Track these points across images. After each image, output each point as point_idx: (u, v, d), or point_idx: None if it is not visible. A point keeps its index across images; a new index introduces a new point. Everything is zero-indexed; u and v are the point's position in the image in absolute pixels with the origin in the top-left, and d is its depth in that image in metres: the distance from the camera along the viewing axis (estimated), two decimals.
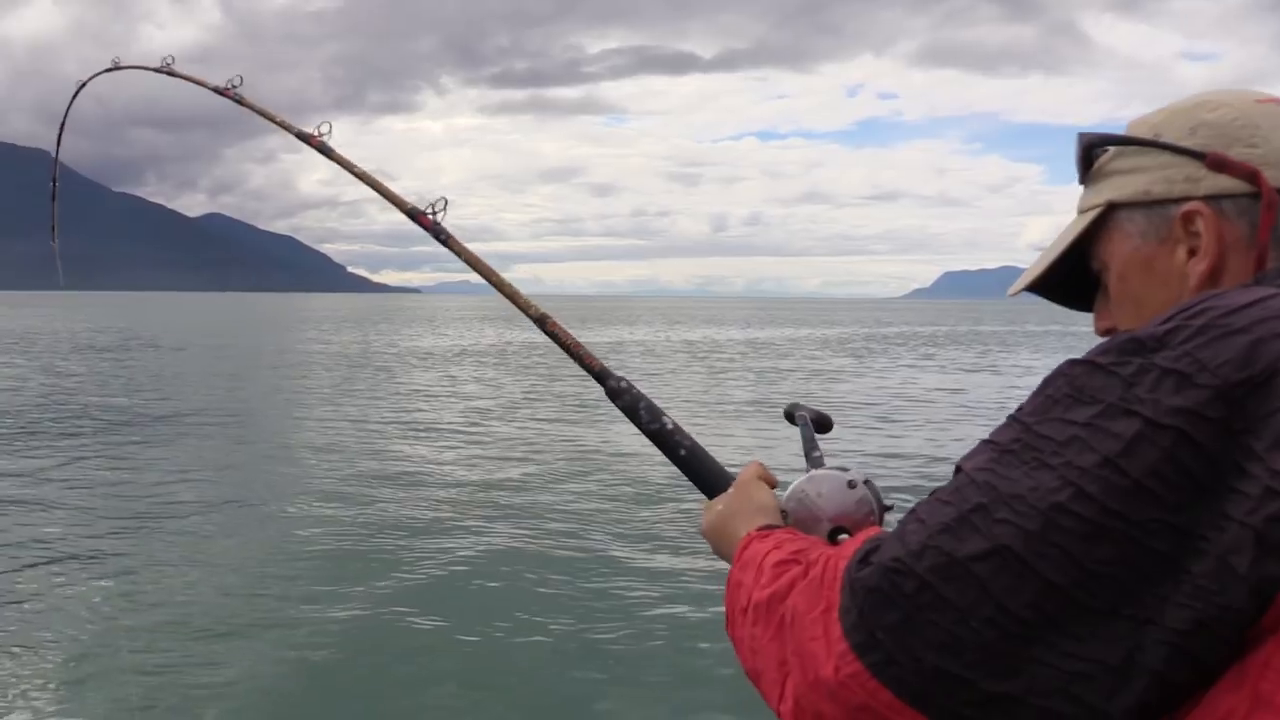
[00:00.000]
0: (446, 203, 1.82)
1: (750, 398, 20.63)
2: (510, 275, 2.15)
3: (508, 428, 16.26)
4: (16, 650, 6.10)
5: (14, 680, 5.67)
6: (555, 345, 1.64)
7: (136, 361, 30.54)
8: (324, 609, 6.90)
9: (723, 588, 1.10)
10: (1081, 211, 1.08)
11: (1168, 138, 0.99)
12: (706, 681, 5.62)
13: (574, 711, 5.51)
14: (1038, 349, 43.46)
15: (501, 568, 7.94)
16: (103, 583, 7.49)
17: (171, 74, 2.46)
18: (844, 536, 1.14)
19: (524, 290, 1.75)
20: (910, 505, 0.88)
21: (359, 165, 1.99)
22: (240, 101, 2.25)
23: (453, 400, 20.64)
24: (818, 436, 1.37)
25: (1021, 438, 0.82)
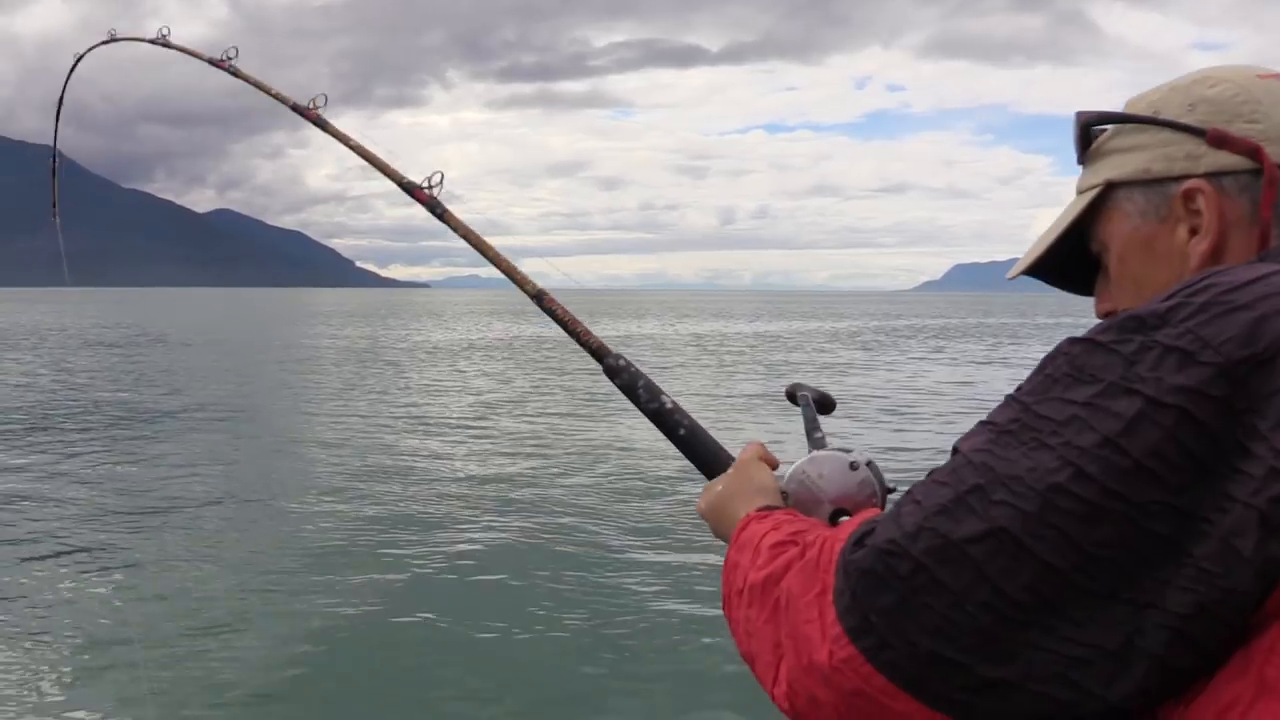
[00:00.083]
0: (444, 177, 1.81)
1: (759, 390, 20.62)
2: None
3: (516, 422, 16.27)
4: (29, 643, 6.12)
5: (26, 671, 5.69)
6: (558, 328, 1.63)
7: (146, 357, 30.63)
8: (331, 602, 6.91)
9: None
10: (1080, 192, 1.06)
11: (1167, 115, 0.97)
12: (714, 675, 5.61)
13: (583, 704, 5.52)
14: (1049, 341, 43.04)
15: (510, 562, 7.95)
16: (114, 576, 7.52)
17: (167, 45, 2.47)
18: (845, 519, 1.12)
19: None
20: None
21: (354, 138, 1.98)
22: (235, 73, 2.24)
23: (461, 394, 20.66)
24: (820, 417, 1.35)
25: (1020, 418, 0.80)
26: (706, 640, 6.02)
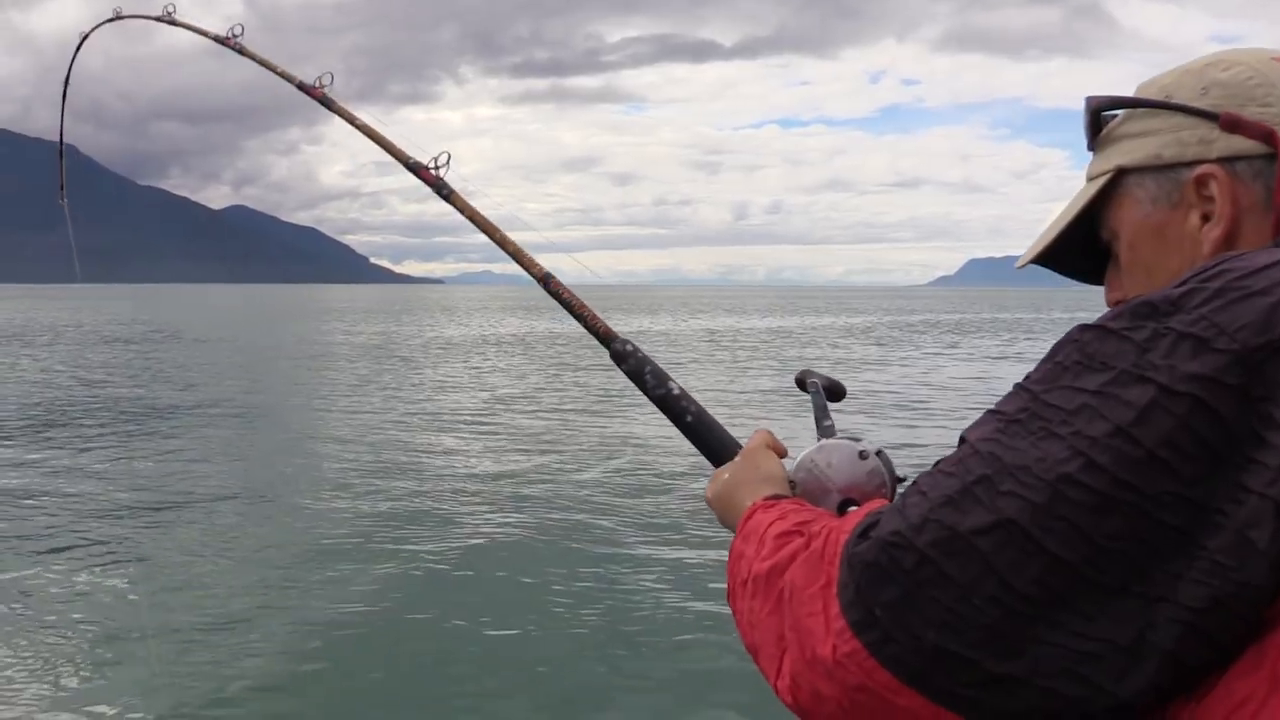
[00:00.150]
0: (450, 157, 1.79)
1: (773, 386, 20.59)
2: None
3: (529, 418, 16.28)
4: (44, 635, 6.16)
5: (42, 662, 5.73)
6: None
7: (160, 353, 30.77)
8: (343, 596, 6.93)
9: None
10: (1090, 178, 1.03)
11: (1179, 99, 0.95)
12: (728, 672, 5.60)
13: (595, 700, 5.52)
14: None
15: (522, 557, 7.96)
16: (129, 570, 7.56)
17: (173, 23, 2.47)
18: (854, 508, 1.10)
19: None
20: None
21: (360, 118, 1.96)
22: (242, 51, 2.24)
23: (475, 390, 20.69)
24: (830, 405, 1.32)
25: (1029, 406, 0.79)
26: (720, 637, 6.01)
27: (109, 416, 16.10)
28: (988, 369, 26.53)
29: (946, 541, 0.76)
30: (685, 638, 6.21)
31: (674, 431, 1.44)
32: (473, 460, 12.36)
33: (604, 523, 9.02)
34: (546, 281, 1.63)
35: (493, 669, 5.79)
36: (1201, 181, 0.92)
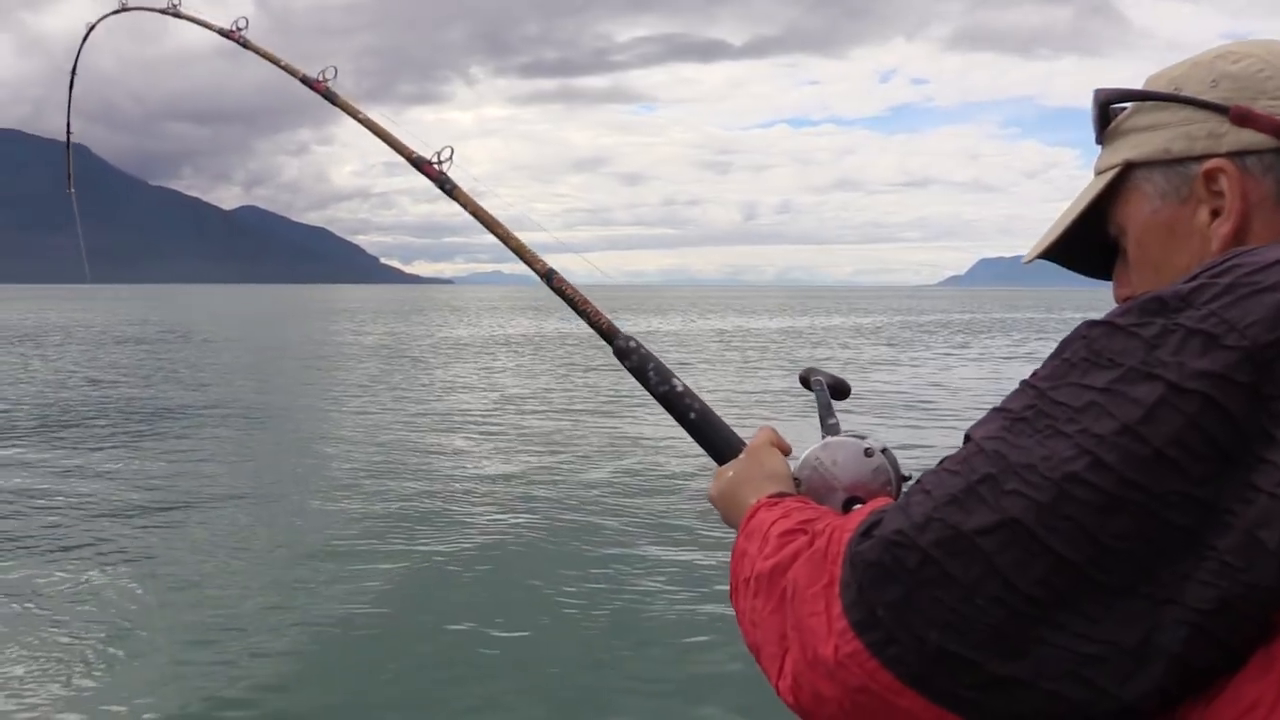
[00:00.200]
0: (453, 152, 1.78)
1: (783, 386, 20.54)
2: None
3: (538, 419, 16.28)
4: (54, 633, 6.17)
5: (52, 660, 5.74)
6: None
7: (174, 354, 30.87)
8: (349, 597, 6.93)
9: None
10: (1098, 173, 1.02)
11: (1188, 91, 0.93)
12: (734, 675, 5.58)
13: (601, 701, 5.51)
14: None
15: (529, 559, 7.96)
16: (139, 568, 7.58)
17: (177, 15, 2.48)
18: (859, 507, 1.09)
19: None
20: None
21: (363, 111, 1.96)
22: (246, 44, 2.24)
23: (484, 391, 20.71)
24: (835, 404, 1.31)
25: (1035, 404, 0.77)
26: (729, 639, 5.99)
27: (120, 416, 16.16)
28: (998, 369, 26.45)
29: (950, 541, 0.75)
30: (694, 639, 6.18)
31: (683, 432, 1.43)
32: (482, 461, 12.37)
33: (613, 524, 9.01)
34: (549, 277, 1.62)
35: (502, 670, 5.78)
36: (1211, 176, 0.90)
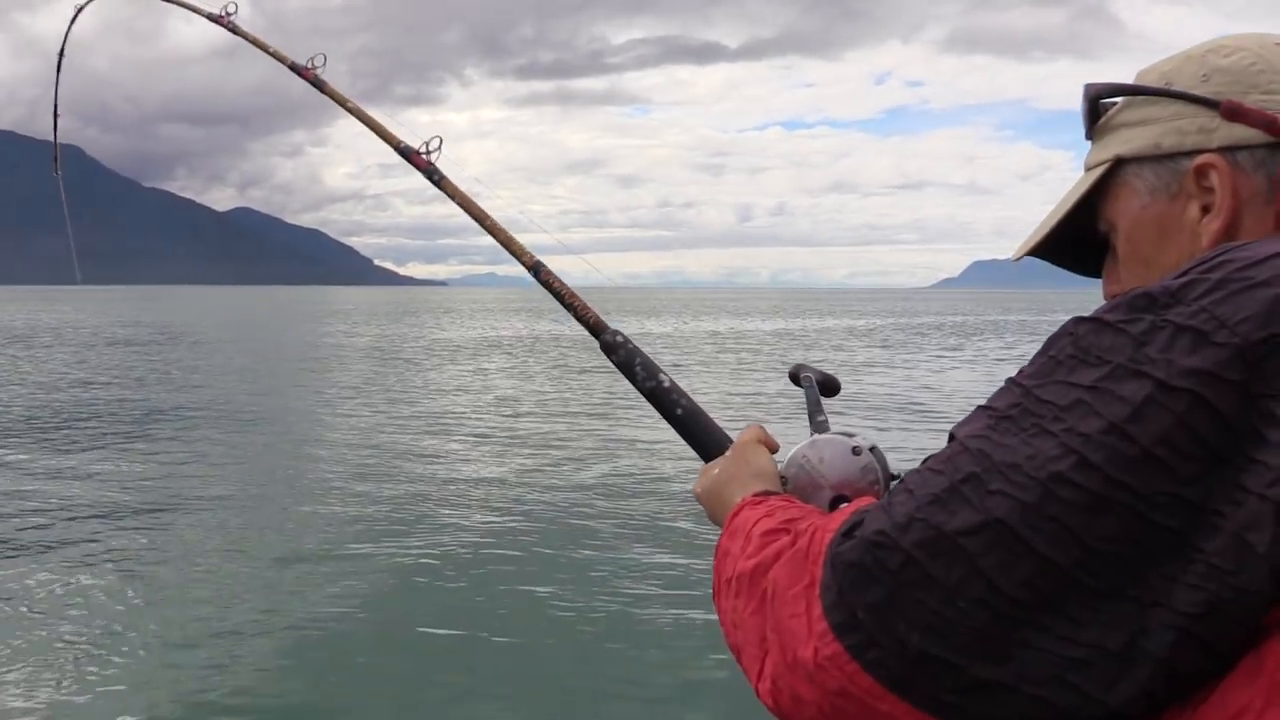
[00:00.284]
0: (441, 142, 1.78)
1: (777, 389, 20.55)
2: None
3: (531, 421, 16.28)
4: (46, 635, 6.15)
5: (43, 663, 5.72)
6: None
7: (167, 356, 30.79)
8: (341, 599, 6.92)
9: None
10: (1088, 168, 1.00)
11: (1179, 85, 0.92)
12: (723, 678, 5.57)
13: (594, 704, 5.50)
14: None
15: (522, 561, 7.94)
16: (131, 571, 7.56)
17: None
18: (845, 506, 1.08)
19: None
20: None
21: (351, 100, 1.95)
22: (234, 30, 2.23)
23: (477, 393, 20.68)
24: (824, 400, 1.29)
25: (1020, 402, 0.76)
26: (719, 641, 5.97)
27: (110, 418, 16.11)
28: (991, 370, 26.49)
29: (932, 542, 0.73)
30: (685, 643, 6.17)
31: (674, 435, 1.41)
32: (474, 463, 12.34)
33: (604, 526, 8.99)
34: (536, 270, 1.62)
35: (493, 673, 5.76)
36: (1201, 172, 0.88)
